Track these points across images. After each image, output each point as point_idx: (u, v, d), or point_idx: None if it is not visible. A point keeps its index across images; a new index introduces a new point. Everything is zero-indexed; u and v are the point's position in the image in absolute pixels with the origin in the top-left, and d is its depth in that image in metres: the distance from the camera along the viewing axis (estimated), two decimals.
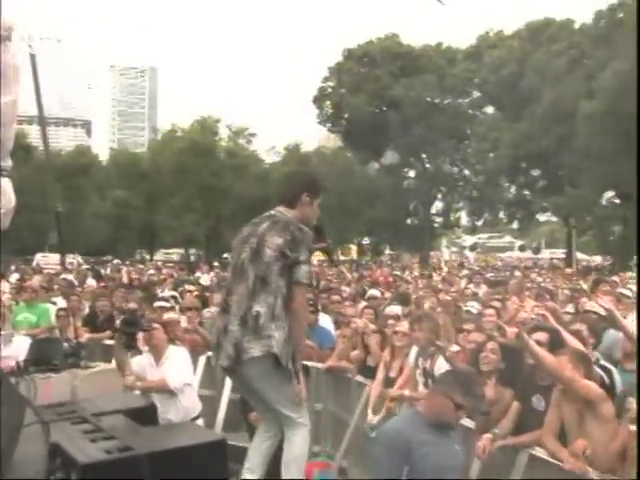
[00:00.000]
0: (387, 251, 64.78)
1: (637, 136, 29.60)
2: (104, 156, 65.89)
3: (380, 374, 7.28)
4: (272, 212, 4.72)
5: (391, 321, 8.07)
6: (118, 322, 6.87)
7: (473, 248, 70.89)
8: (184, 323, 8.83)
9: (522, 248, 72.31)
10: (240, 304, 4.49)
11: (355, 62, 59.32)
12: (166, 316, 8.17)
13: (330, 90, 61.54)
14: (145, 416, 4.44)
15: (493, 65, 54.75)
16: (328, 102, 61.14)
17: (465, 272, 25.08)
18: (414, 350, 6.90)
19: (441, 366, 6.23)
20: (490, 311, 8.34)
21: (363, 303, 10.63)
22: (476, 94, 58.36)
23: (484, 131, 54.21)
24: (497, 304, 8.99)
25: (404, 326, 7.29)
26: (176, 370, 6.48)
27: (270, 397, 4.52)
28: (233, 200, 49.74)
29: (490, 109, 58.01)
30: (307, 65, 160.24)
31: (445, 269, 33.09)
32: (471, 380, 4.73)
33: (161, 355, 6.58)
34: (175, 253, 61.28)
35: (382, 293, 12.46)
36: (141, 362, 6.61)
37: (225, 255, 52.01)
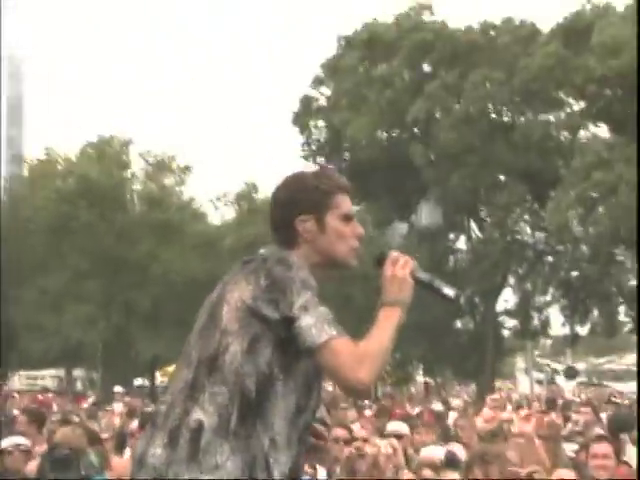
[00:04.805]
0: (420, 376, 39.62)
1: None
2: None
3: None
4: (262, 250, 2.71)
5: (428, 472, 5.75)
6: None
7: (571, 373, 36.95)
8: None
9: None
10: (170, 409, 2.42)
11: (358, 55, 37.10)
12: None
13: (321, 102, 39.16)
14: None
15: (606, 48, 31.76)
16: (317, 122, 39.12)
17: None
18: None
19: None
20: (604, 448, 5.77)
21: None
22: (576, 103, 34.65)
23: (592, 164, 31.05)
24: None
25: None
26: None
27: None
28: (154, 283, 32.81)
29: (603, 129, 33.29)
30: (288, 64, 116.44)
31: (523, 411, 15.98)
32: None
33: None
34: (47, 376, 37.56)
35: (412, 430, 8.44)
36: None
37: (139, 381, 37.81)
